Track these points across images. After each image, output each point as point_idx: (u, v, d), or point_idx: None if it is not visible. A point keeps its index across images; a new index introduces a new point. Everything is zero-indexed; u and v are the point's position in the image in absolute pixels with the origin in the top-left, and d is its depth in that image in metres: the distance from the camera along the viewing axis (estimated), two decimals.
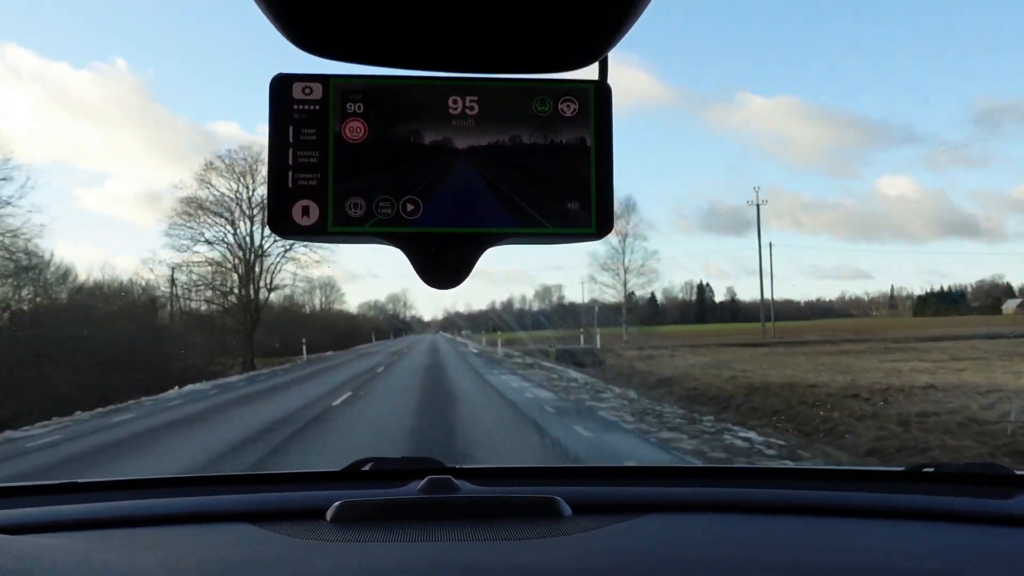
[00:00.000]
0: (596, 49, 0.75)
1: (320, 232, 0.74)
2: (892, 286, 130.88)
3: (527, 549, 1.12)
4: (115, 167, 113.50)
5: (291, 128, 0.74)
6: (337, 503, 1.28)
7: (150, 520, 1.30)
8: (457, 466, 1.57)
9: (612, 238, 49.99)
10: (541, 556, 1.09)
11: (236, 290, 39.72)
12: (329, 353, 46.61)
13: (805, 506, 1.38)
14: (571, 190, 0.77)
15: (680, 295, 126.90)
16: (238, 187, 38.53)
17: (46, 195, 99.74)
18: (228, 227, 39.08)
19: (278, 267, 42.40)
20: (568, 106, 0.77)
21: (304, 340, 40.33)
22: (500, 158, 0.76)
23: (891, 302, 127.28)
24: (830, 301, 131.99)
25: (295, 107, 0.74)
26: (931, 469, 1.55)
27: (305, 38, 0.71)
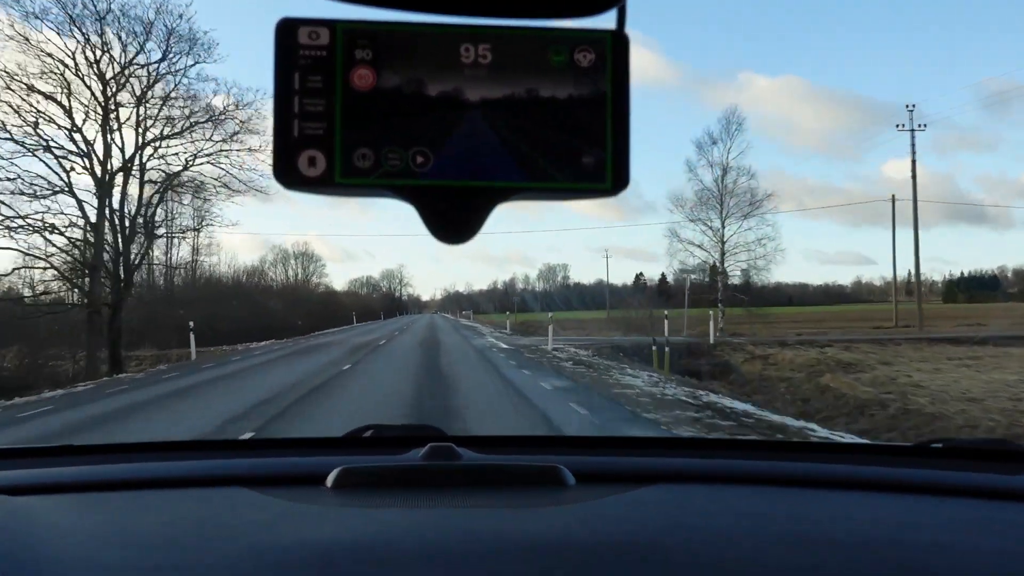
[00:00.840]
0: None
1: (327, 183, 0.71)
2: (909, 271, 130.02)
3: (530, 517, 1.11)
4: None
5: (296, 75, 0.71)
6: (338, 469, 1.27)
7: (148, 483, 1.30)
8: (459, 435, 1.56)
9: (707, 175, 40.84)
10: (544, 524, 1.08)
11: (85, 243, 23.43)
12: (251, 347, 30.96)
13: (812, 479, 1.37)
14: (586, 143, 0.74)
15: (692, 277, 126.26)
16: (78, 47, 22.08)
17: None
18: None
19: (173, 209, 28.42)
20: (584, 56, 0.74)
21: (191, 326, 25.91)
22: (514, 109, 0.73)
23: (908, 288, 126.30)
24: (843, 286, 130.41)
25: (301, 53, 0.71)
26: (940, 445, 1.54)
27: None
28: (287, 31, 0.71)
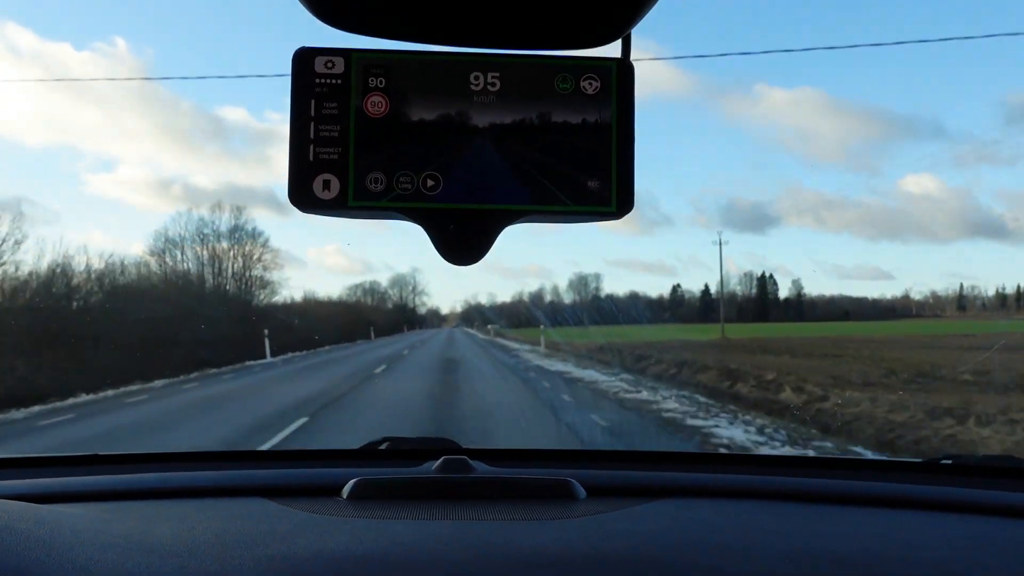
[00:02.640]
0: (619, 26, 0.75)
1: (341, 206, 0.74)
2: (961, 284, 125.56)
3: (541, 530, 1.12)
4: (123, 152, 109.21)
5: (312, 102, 0.74)
6: (353, 480, 1.30)
7: (168, 493, 1.33)
8: (472, 447, 1.58)
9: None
10: (555, 537, 1.09)
11: None
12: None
13: (822, 494, 1.37)
14: (592, 168, 0.77)
15: (737, 289, 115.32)
16: None
17: (53, 181, 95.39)
18: None
19: None
20: (590, 83, 0.77)
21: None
22: (521, 135, 0.76)
23: (960, 303, 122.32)
24: (893, 299, 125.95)
25: (317, 81, 0.74)
26: (949, 461, 1.53)
27: (329, 11, 0.72)
28: (304, 60, 0.75)
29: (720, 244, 58.17)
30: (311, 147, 0.74)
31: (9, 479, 1.41)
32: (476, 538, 1.08)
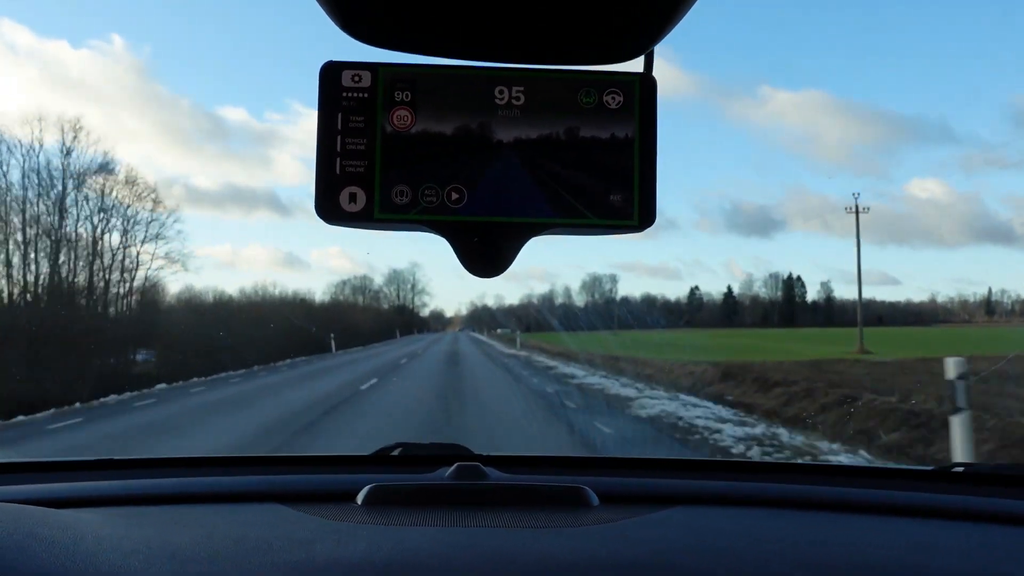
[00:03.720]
0: (642, 43, 0.75)
1: (367, 219, 0.75)
2: (990, 288, 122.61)
3: (553, 537, 1.13)
4: (123, 152, 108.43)
5: (340, 115, 0.75)
6: (368, 487, 1.31)
7: (184, 498, 1.34)
8: (486, 454, 1.58)
9: None
10: (568, 544, 1.10)
11: None
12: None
13: (834, 502, 1.38)
14: (615, 182, 0.78)
15: (762, 291, 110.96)
16: None
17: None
18: None
19: None
20: (613, 98, 0.77)
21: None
22: (545, 149, 0.76)
23: (989, 307, 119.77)
24: (920, 303, 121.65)
25: (344, 95, 0.75)
26: (960, 469, 1.54)
27: (356, 26, 0.73)
28: (332, 74, 0.76)
29: (857, 209, 43.71)
30: (338, 160, 0.75)
31: (24, 483, 1.42)
32: (491, 546, 1.08)
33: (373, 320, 58.62)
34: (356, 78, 0.76)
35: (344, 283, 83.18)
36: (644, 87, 0.78)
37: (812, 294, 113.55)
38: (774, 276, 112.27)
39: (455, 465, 1.43)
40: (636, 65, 0.79)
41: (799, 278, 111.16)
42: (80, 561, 0.88)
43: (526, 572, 0.99)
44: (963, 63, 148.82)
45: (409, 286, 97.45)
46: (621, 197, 0.77)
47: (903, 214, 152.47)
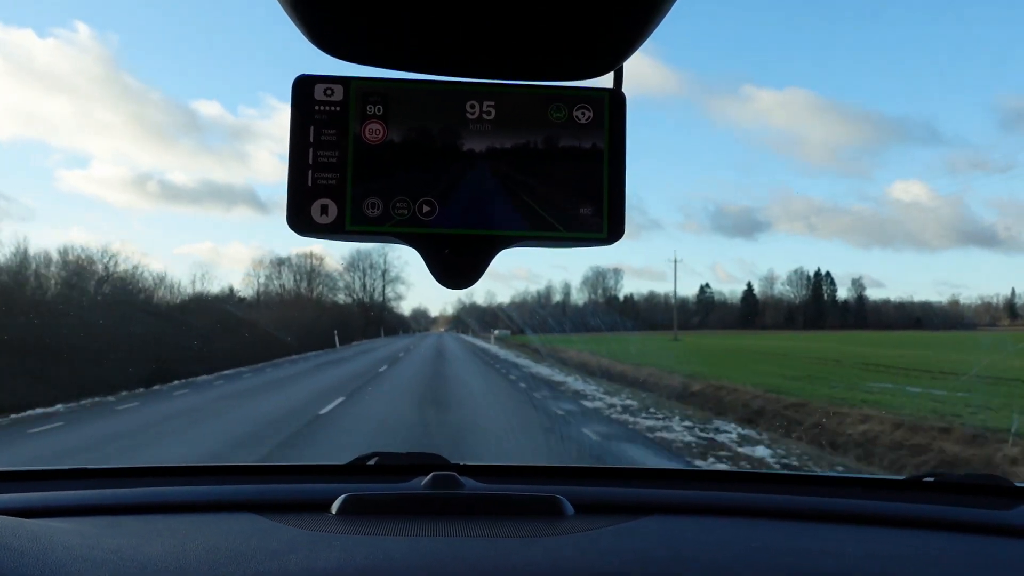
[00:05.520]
0: (612, 59, 0.77)
1: (338, 231, 0.76)
2: (1013, 290, 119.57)
3: (529, 547, 1.13)
4: (95, 147, 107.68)
5: (312, 128, 0.76)
6: (343, 496, 1.31)
7: (158, 507, 1.33)
8: (461, 463, 1.58)
9: None
10: (543, 554, 1.10)
11: None
12: None
13: (807, 512, 1.39)
14: (584, 196, 0.78)
15: (787, 290, 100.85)
16: None
17: (24, 176, 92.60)
18: None
19: None
20: (583, 113, 0.78)
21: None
22: (515, 162, 0.77)
23: (1013, 310, 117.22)
24: (939, 305, 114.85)
25: (316, 107, 0.76)
26: (932, 479, 1.56)
27: (328, 42, 0.73)
28: (304, 87, 0.76)
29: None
30: (310, 172, 0.76)
31: None
32: (467, 555, 1.09)
33: (306, 321, 40.46)
34: (328, 91, 0.76)
35: (280, 263, 58.78)
36: (613, 103, 0.79)
37: (843, 291, 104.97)
38: (799, 273, 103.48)
39: (431, 474, 1.43)
40: (606, 81, 0.79)
41: (828, 274, 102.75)
42: (49, 572, 0.87)
43: None
44: (947, 63, 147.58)
45: (379, 272, 75.73)
46: (591, 211, 0.78)
47: (887, 216, 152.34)
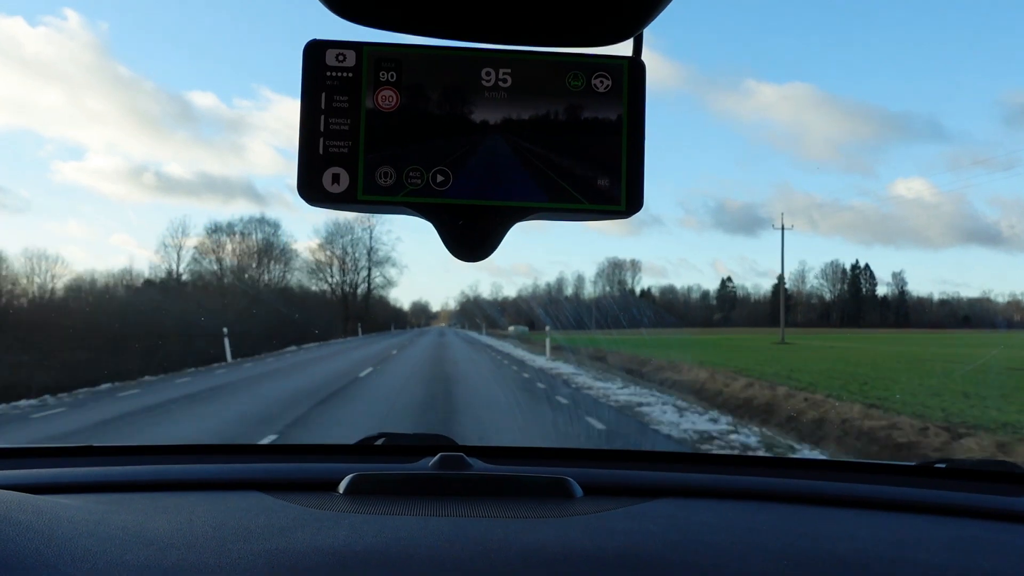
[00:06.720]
0: (631, 25, 0.75)
1: (350, 200, 0.74)
2: None
3: (537, 528, 1.13)
4: (89, 138, 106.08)
5: (323, 95, 0.74)
6: (350, 475, 1.30)
7: (164, 485, 1.33)
8: (469, 444, 1.58)
9: None
10: (551, 535, 1.10)
11: None
12: None
13: (817, 496, 1.38)
14: (602, 166, 0.77)
15: (815, 284, 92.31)
16: None
17: (19, 167, 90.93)
18: None
19: None
20: (601, 82, 0.77)
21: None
22: (532, 132, 0.76)
23: None
24: (958, 301, 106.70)
25: (328, 74, 0.74)
26: (943, 465, 1.55)
27: (342, 3, 0.72)
28: (315, 53, 0.75)
29: None
30: (321, 140, 0.74)
31: (3, 468, 1.41)
32: (475, 535, 1.08)
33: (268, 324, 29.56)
34: (340, 57, 0.75)
35: (216, 229, 42.79)
36: (633, 71, 0.77)
37: (883, 286, 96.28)
38: (833, 265, 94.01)
39: (438, 455, 1.42)
40: (625, 48, 0.78)
41: (867, 267, 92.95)
42: (55, 546, 0.88)
43: (509, 562, 0.98)
44: (950, 58, 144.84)
45: (365, 250, 58.44)
46: (608, 182, 0.77)
47: (888, 214, 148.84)
